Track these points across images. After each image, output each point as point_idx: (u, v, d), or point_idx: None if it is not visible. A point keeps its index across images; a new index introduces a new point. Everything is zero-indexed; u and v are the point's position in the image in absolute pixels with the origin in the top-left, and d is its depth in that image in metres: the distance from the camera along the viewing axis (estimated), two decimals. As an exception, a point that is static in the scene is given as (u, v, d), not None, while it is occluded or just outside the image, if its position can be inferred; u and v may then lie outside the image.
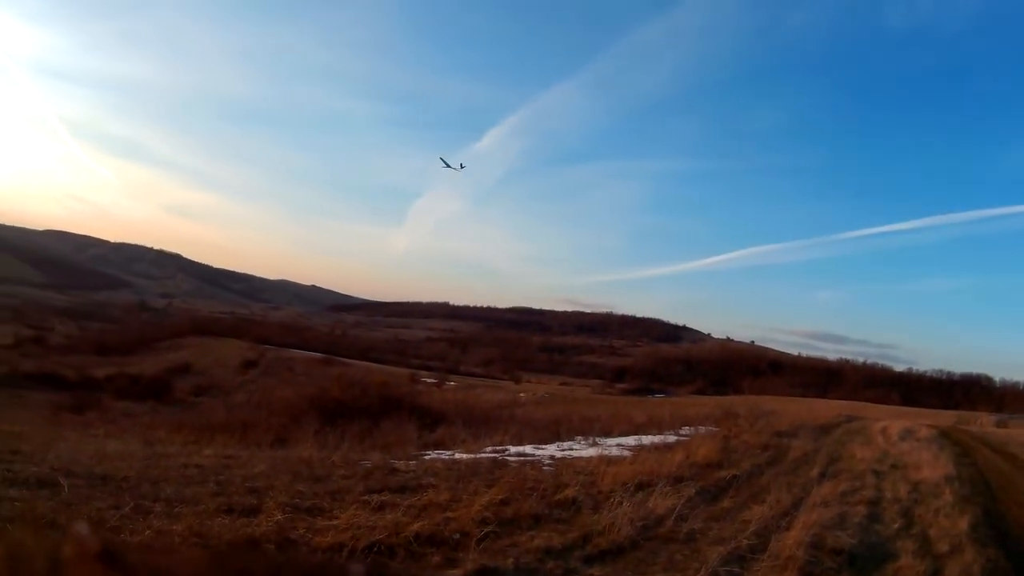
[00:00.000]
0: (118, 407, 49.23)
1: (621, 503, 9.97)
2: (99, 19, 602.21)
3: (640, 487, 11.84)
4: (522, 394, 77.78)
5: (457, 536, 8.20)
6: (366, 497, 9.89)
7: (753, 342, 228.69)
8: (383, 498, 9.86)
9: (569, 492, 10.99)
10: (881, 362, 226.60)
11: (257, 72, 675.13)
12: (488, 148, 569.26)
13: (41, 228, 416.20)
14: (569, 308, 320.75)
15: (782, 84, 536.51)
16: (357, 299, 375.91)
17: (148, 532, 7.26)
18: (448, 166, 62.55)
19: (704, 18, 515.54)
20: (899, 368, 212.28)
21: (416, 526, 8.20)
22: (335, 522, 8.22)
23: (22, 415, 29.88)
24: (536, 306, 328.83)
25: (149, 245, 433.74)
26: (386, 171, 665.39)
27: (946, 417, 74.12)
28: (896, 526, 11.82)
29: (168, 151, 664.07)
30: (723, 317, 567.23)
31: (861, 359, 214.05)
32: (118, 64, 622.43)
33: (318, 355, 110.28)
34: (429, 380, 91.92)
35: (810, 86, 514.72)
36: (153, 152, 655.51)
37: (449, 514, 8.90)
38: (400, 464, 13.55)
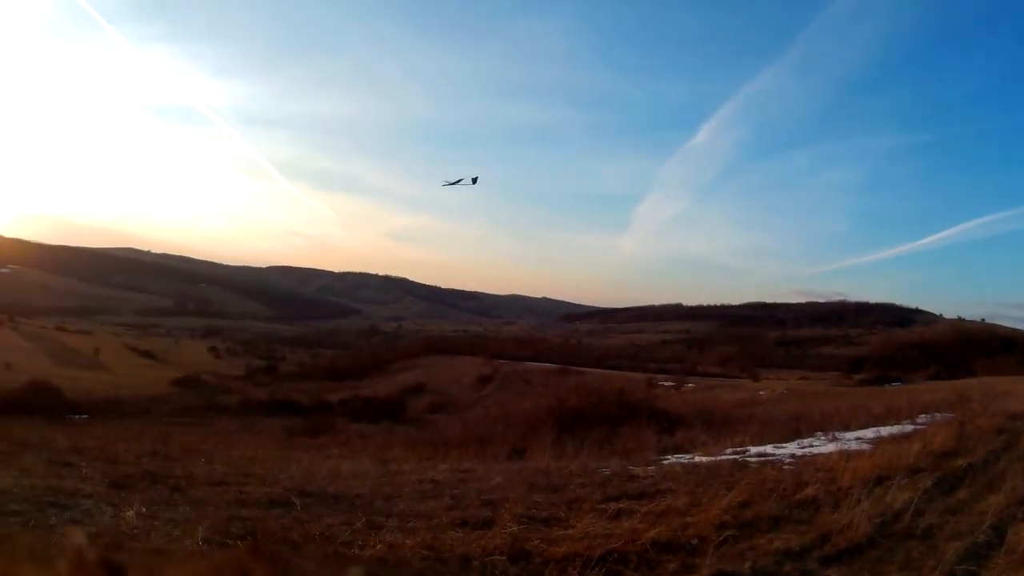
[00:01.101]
0: (352, 429, 50.69)
1: (860, 500, 9.52)
2: (292, 66, 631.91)
3: (878, 481, 11.27)
4: (761, 392, 75.73)
5: (695, 541, 7.96)
6: (603, 505, 9.83)
7: (984, 320, 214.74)
8: (620, 505, 9.76)
9: (809, 491, 10.60)
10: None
11: (453, 94, 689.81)
12: (703, 144, 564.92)
13: (265, 265, 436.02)
14: (802, 299, 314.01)
15: (988, 42, 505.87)
16: (589, 307, 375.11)
17: (380, 546, 7.52)
18: (455, 183, 56.13)
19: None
20: None
21: (653, 533, 8.03)
22: (570, 531, 8.22)
23: (256, 440, 31.28)
24: (769, 300, 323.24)
25: (374, 272, 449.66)
26: (603, 178, 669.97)
27: None
28: None
29: (380, 180, 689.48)
30: (953, 296, 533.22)
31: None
32: (318, 104, 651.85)
33: (553, 366, 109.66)
34: (667, 383, 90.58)
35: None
36: (366, 183, 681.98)
37: (687, 519, 8.68)
38: (638, 470, 13.43)
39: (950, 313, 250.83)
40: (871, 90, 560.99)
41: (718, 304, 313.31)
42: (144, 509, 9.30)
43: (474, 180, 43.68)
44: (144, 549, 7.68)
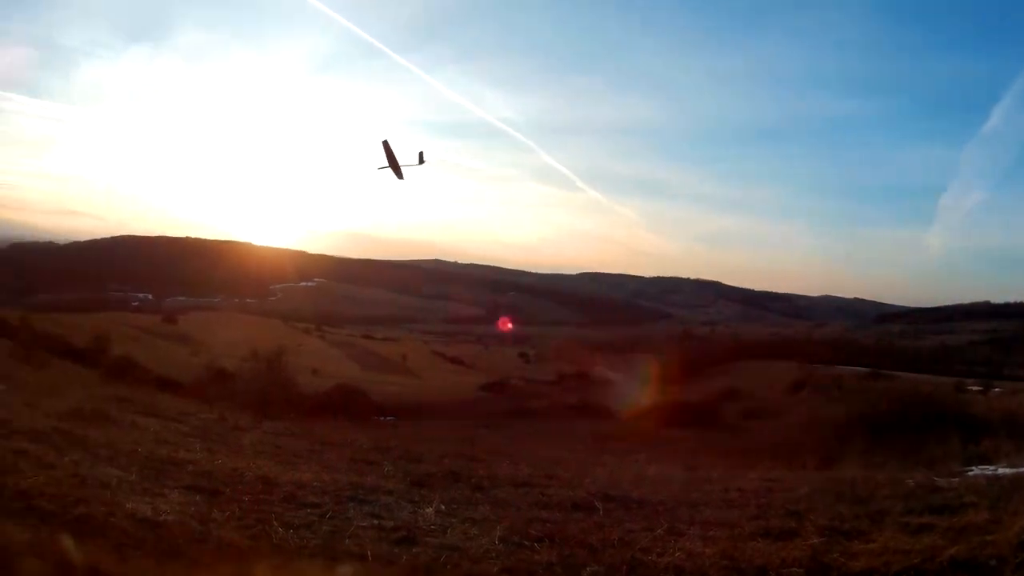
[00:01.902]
0: (662, 434, 50.47)
1: None
2: (582, 74, 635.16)
3: None
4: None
5: (993, 562, 7.49)
6: (905, 519, 9.45)
7: None
8: (922, 520, 9.33)
9: None
10: None
11: (744, 90, 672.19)
12: (998, 126, 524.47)
13: (575, 272, 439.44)
14: None
15: None
16: (899, 307, 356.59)
17: (678, 554, 7.53)
18: (390, 166, 42.27)
19: None
20: None
21: (952, 550, 7.61)
22: (871, 546, 7.97)
23: (563, 444, 31.78)
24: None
25: (685, 276, 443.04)
26: (904, 168, 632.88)
27: None
28: None
29: (684, 183, 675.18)
30: None
31: None
32: (613, 110, 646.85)
33: (864, 370, 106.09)
34: (973, 388, 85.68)
35: None
36: (670, 186, 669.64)
37: (987, 537, 8.11)
38: (942, 481, 12.63)
39: None
40: None
41: None
42: (443, 507, 9.74)
43: (421, 160, 38.74)
44: (438, 544, 8.03)
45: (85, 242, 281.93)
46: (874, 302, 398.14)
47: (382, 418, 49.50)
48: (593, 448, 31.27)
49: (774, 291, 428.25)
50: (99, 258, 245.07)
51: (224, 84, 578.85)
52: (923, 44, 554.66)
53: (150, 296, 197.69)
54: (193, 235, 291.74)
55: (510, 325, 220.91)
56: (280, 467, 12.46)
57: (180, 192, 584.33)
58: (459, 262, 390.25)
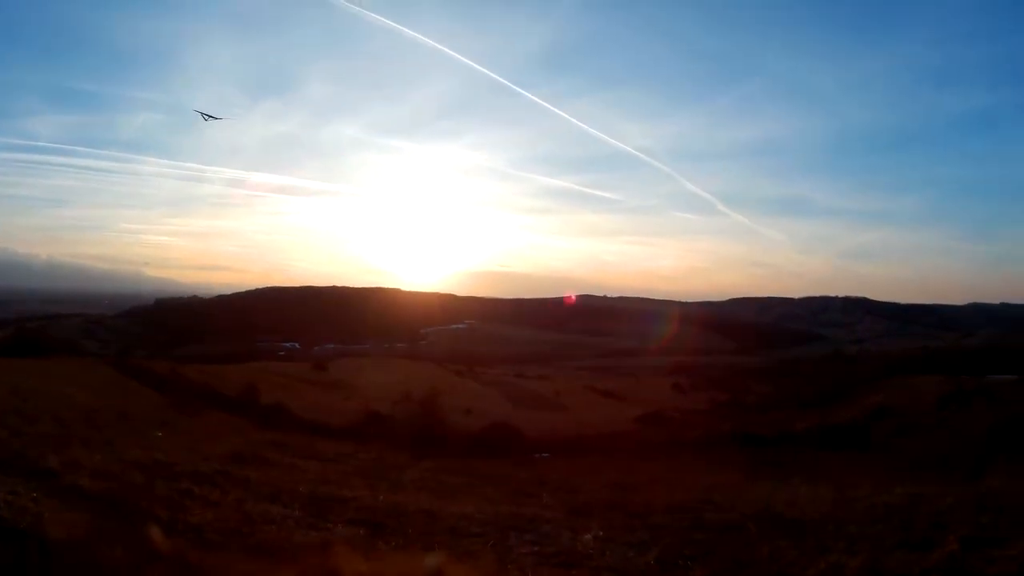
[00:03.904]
0: (815, 457, 50.00)
1: None
2: (713, 96, 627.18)
3: None
4: None
5: None
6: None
7: None
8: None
9: None
10: None
11: (883, 94, 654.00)
12: None
13: (725, 298, 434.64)
14: None
15: None
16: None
17: (823, 565, 7.85)
18: (207, 118, 49.42)
19: None
20: None
21: None
22: (1008, 551, 8.19)
23: (719, 471, 31.76)
24: None
25: (833, 294, 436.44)
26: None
27: None
28: None
29: (826, 199, 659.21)
30: None
31: None
32: (747, 130, 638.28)
33: (1012, 377, 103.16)
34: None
35: None
36: (815, 203, 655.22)
37: None
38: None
39: None
40: None
41: None
42: (601, 533, 10.21)
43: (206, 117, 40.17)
44: (596, 567, 8.43)
45: (230, 295, 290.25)
46: (1021, 305, 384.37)
47: (537, 455, 49.84)
48: (748, 474, 31.14)
49: (921, 303, 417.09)
50: (244, 310, 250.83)
51: (354, 133, 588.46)
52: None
53: (297, 345, 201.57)
54: (339, 284, 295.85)
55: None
56: (441, 501, 13.07)
57: (322, 242, 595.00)
58: (607, 296, 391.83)
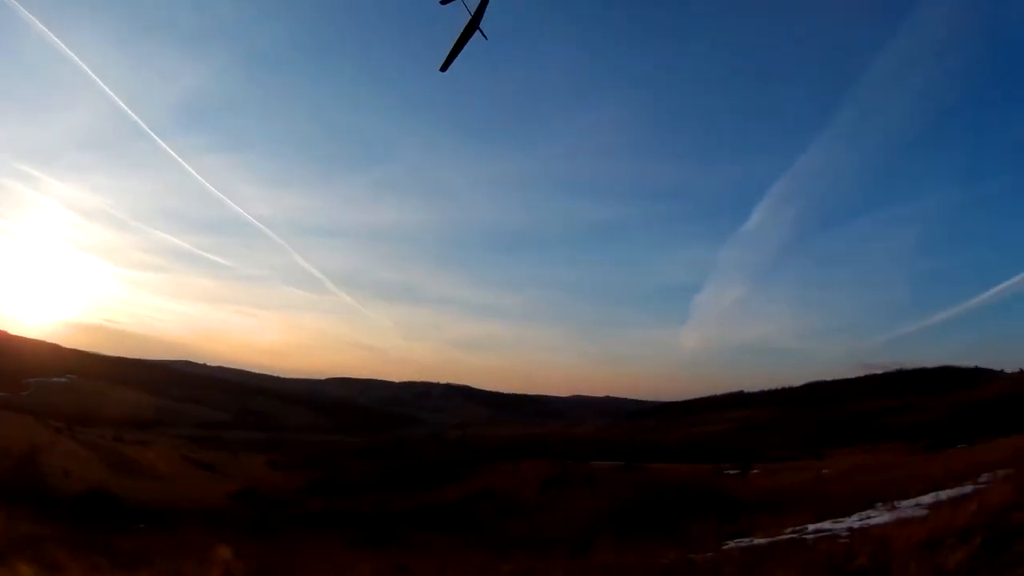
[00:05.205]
0: (418, 538, 51.04)
1: (908, 564, 9.75)
2: (346, 174, 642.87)
3: (932, 544, 11.50)
4: (825, 470, 75.54)
5: None
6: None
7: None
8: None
9: (861, 560, 10.73)
10: None
11: (512, 196, 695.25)
12: (757, 225, 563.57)
13: (324, 377, 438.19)
14: (862, 373, 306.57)
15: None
16: (653, 402, 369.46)
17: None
18: None
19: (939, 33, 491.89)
20: None
21: None
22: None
23: (314, 550, 31.81)
24: (829, 378, 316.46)
25: (436, 380, 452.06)
26: (662, 270, 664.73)
27: None
28: None
29: (441, 288, 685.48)
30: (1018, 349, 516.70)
31: None
32: (374, 213, 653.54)
33: (617, 464, 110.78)
34: (731, 472, 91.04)
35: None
36: (427, 291, 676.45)
37: None
38: (697, 557, 13.71)
39: (1011, 367, 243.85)
40: (924, 146, 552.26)
41: (779, 388, 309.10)
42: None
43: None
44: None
45: None
46: (626, 399, 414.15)
47: (133, 525, 47.55)
48: (348, 555, 31.26)
49: (525, 393, 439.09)
50: None
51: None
52: (686, 151, 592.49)
53: None
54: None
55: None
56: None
57: None
58: (208, 364, 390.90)
